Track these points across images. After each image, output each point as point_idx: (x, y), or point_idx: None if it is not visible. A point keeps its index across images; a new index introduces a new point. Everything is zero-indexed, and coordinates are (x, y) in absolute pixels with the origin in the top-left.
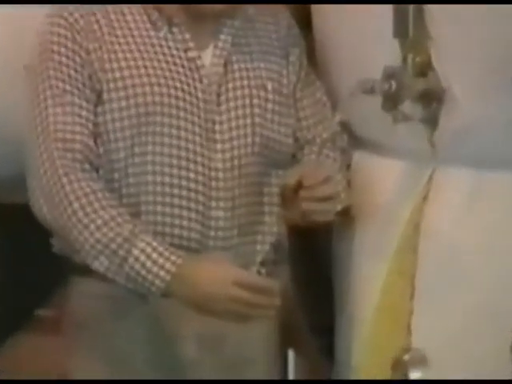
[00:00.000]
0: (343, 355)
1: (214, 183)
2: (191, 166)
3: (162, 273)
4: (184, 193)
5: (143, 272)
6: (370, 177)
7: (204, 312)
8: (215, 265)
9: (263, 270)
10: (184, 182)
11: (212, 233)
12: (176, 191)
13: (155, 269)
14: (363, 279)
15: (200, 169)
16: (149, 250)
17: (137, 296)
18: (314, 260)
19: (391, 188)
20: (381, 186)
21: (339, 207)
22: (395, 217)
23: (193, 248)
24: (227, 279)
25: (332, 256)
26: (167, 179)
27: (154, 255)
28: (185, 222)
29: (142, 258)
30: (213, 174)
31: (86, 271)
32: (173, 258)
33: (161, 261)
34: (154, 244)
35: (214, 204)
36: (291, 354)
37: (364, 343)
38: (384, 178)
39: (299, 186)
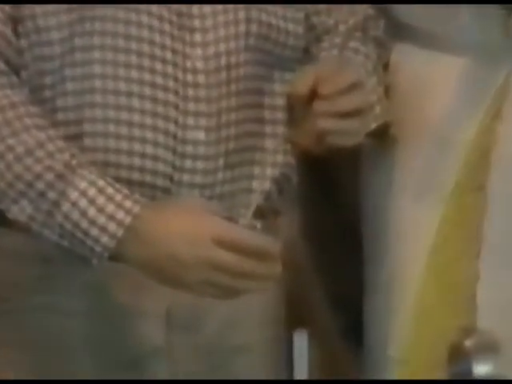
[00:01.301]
0: (376, 340)
1: (191, 91)
2: (158, 66)
3: (111, 226)
4: (148, 105)
5: (84, 224)
6: (418, 81)
7: (172, 284)
8: (188, 214)
9: (259, 223)
10: (148, 90)
11: (188, 163)
12: (136, 103)
13: (101, 220)
14: (407, 230)
15: (170, 70)
16: (92, 191)
17: (75, 259)
18: (334, 205)
19: (448, 97)
20: (434, 94)
21: (372, 125)
22: (454, 140)
23: (159, 187)
24: (205, 236)
25: (361, 198)
26: (123, 86)
27: (100, 200)
28: (149, 149)
29: (82, 203)
30: (189, 77)
31: (2, 220)
32: (127, 204)
33: (110, 208)
34: (101, 183)
35: (191, 122)
36: (298, 338)
37: (408, 323)
38: (439, 82)
39: (314, 95)
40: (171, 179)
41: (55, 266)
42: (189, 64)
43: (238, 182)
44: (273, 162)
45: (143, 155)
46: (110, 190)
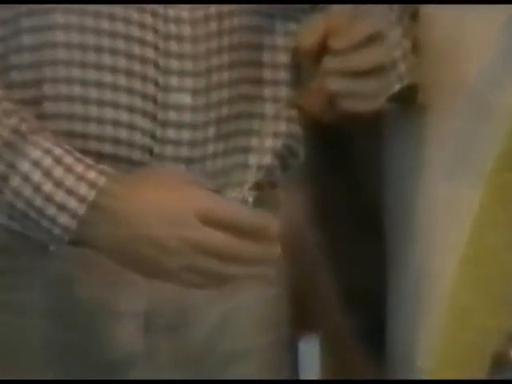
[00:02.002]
0: (401, 346)
1: (174, 45)
2: (133, 15)
3: (71, 203)
4: (121, 63)
5: (38, 201)
6: (453, 35)
7: (149, 272)
8: (166, 187)
9: (251, 196)
10: (121, 44)
11: (171, 133)
12: (107, 60)
13: (59, 195)
14: (438, 214)
15: (149, 20)
16: (47, 161)
17: (35, 248)
18: (349, 184)
19: (489, 53)
20: (472, 50)
21: (395, 87)
22: (495, 105)
23: (136, 161)
24: (188, 212)
25: (382, 176)
26: (90, 38)
27: (58, 171)
28: (123, 115)
29: (35, 176)
30: (172, 28)
31: None
32: (90, 175)
33: (69, 181)
34: (58, 151)
35: (174, 82)
36: (306, 345)
37: (440, 325)
38: (477, 36)
39: (324, 49)
40: (151, 152)
41: (11, 257)
42: (171, 12)
43: (232, 156)
44: (274, 131)
45: (116, 123)
46: (68, 160)
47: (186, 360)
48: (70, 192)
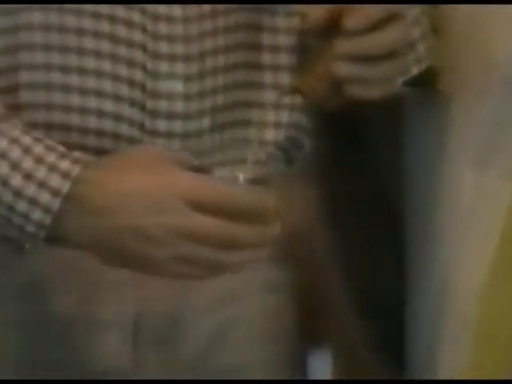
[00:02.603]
0: (422, 359)
1: (163, 27)
2: None
3: (43, 196)
4: (105, 46)
5: (7, 197)
6: (478, 15)
7: (135, 265)
8: (148, 169)
9: (242, 174)
10: (105, 27)
11: (161, 124)
12: (89, 43)
13: (30, 189)
14: (466, 211)
15: None
16: (15, 152)
17: (7, 248)
18: (364, 178)
19: None
20: (502, 28)
21: (413, 71)
22: None
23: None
24: (174, 196)
25: (401, 168)
26: (71, 20)
27: (27, 162)
28: (108, 105)
29: (2, 169)
30: (161, 9)
31: None
32: (63, 165)
33: (40, 173)
34: (26, 140)
35: (164, 68)
36: (316, 358)
37: (466, 337)
38: (506, 16)
39: (334, 29)
40: (139, 143)
41: None
42: None
43: (230, 149)
44: (275, 121)
45: (100, 113)
46: (38, 149)
47: (178, 376)
48: (41, 185)
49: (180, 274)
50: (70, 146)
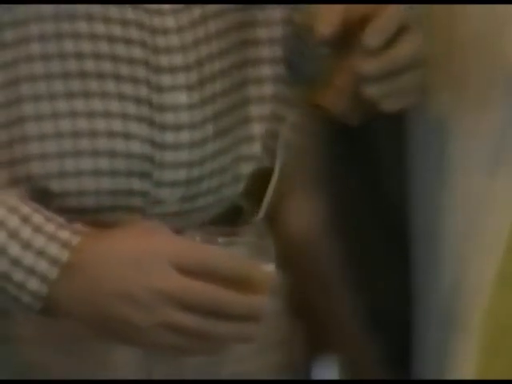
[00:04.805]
0: (431, 371)
1: (161, 39)
2: (113, 12)
3: (41, 265)
4: (107, 66)
5: (3, 266)
6: (488, 19)
7: (119, 335)
8: (135, 234)
9: (220, 237)
10: (104, 47)
11: (169, 137)
12: (91, 66)
13: (28, 258)
14: (476, 217)
15: (130, 16)
16: (13, 221)
17: None
18: (369, 184)
19: None
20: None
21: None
22: None
23: (136, 172)
24: (159, 259)
25: (407, 172)
26: (69, 45)
27: (25, 232)
28: (116, 125)
29: (1, 236)
30: (157, 21)
31: None
32: (63, 235)
33: (39, 241)
34: (25, 209)
35: (167, 80)
36: (321, 369)
37: (475, 348)
38: None
39: (349, 37)
40: (152, 160)
41: None
42: (153, 6)
43: (232, 151)
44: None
45: (111, 134)
46: (37, 219)
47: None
48: (39, 253)
49: (165, 344)
50: (81, 171)
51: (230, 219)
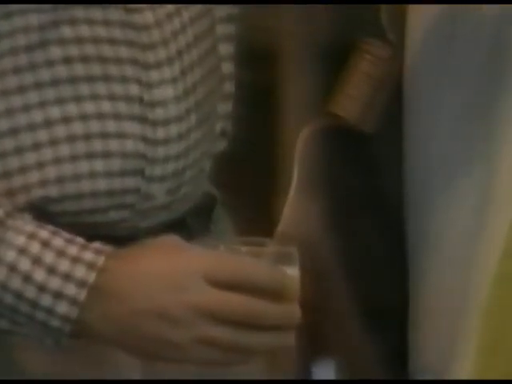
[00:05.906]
0: (429, 373)
1: (144, 35)
2: (97, 13)
3: (69, 289)
4: (96, 69)
5: (30, 293)
6: None
7: (154, 352)
8: (165, 251)
9: (244, 247)
10: (91, 49)
11: (160, 132)
12: (79, 70)
13: (54, 283)
14: (470, 212)
15: (116, 17)
16: (35, 247)
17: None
18: (366, 183)
19: None
20: None
21: None
22: None
23: (130, 171)
24: (193, 274)
25: (403, 171)
26: (56, 51)
27: (48, 257)
28: (110, 125)
29: (24, 265)
30: (137, 18)
31: None
32: (87, 256)
33: (64, 265)
34: (44, 234)
35: (155, 75)
36: (320, 370)
37: (472, 351)
38: None
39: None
40: (145, 157)
41: None
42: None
43: (209, 138)
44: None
45: (105, 135)
46: (58, 242)
47: None
48: (66, 277)
49: (202, 358)
50: (78, 175)
51: (207, 209)
